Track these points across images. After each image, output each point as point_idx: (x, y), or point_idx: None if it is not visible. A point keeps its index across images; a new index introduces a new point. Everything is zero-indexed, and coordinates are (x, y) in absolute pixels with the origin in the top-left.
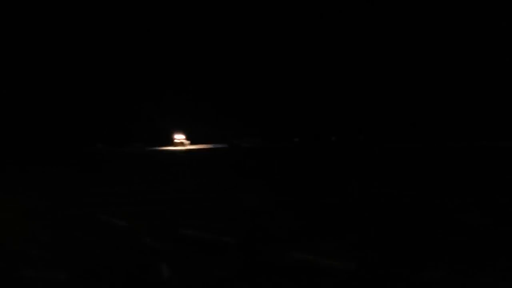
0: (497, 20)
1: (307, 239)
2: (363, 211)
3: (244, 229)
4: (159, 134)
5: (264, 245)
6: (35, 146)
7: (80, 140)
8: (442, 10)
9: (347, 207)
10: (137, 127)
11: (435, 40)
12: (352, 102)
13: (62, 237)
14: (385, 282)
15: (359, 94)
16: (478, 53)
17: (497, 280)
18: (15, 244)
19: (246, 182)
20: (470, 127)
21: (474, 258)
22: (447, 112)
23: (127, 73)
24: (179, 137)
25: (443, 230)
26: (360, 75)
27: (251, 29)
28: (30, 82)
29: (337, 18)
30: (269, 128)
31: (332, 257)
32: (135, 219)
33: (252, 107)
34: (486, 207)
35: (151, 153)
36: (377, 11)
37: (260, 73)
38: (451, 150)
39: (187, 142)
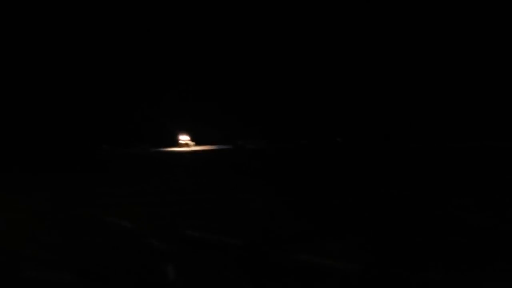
0: (497, 20)
1: (312, 240)
2: (366, 212)
3: (249, 231)
4: (164, 135)
5: (270, 246)
6: (41, 147)
7: (85, 141)
8: (443, 11)
9: (351, 208)
10: (142, 128)
11: (438, 42)
12: (358, 103)
13: (67, 238)
14: (390, 283)
15: (364, 95)
16: (479, 54)
17: (497, 280)
18: (21, 245)
19: (251, 184)
20: (471, 127)
21: (475, 258)
22: (448, 112)
23: (133, 74)
24: (184, 138)
25: (445, 230)
26: (365, 76)
27: (258, 31)
28: (36, 85)
29: (343, 21)
30: (274, 130)
31: (337, 259)
32: (140, 220)
33: (257, 109)
34: (487, 207)
35: (156, 154)
36: (381, 14)
37: (266, 75)
38: (451, 151)
39: (192, 143)
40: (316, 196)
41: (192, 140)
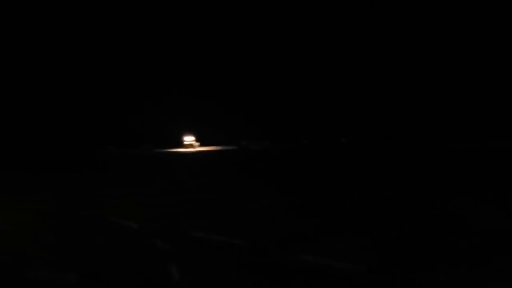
0: (497, 21)
1: (315, 241)
2: (368, 212)
3: (252, 231)
4: (168, 136)
5: (275, 247)
6: (46, 148)
7: (91, 142)
8: (443, 13)
9: (352, 209)
10: (146, 129)
11: (439, 44)
12: (362, 104)
13: (71, 239)
14: (391, 283)
15: (368, 96)
16: (479, 56)
17: (498, 280)
18: (25, 245)
19: (255, 184)
20: (471, 128)
21: (475, 258)
22: (448, 113)
23: (137, 76)
24: (188, 139)
25: (445, 230)
26: (368, 78)
27: (262, 33)
28: (42, 87)
29: (347, 24)
30: (278, 130)
31: (339, 259)
32: (144, 221)
33: (261, 110)
34: (487, 208)
35: (160, 155)
36: (384, 17)
37: (270, 76)
38: (452, 151)
39: (196, 144)
40: (319, 196)
41: (196, 140)
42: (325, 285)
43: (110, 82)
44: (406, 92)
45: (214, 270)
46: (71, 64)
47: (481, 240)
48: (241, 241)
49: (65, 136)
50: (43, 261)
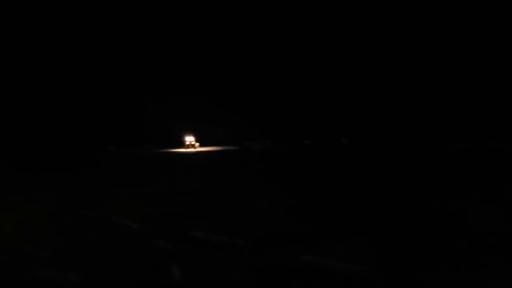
0: (497, 21)
1: (316, 241)
2: (369, 213)
3: (254, 231)
4: (170, 136)
5: (276, 247)
6: (48, 148)
7: (92, 142)
8: (443, 13)
9: (353, 209)
10: (148, 129)
11: (440, 45)
12: (362, 105)
13: (72, 238)
14: (392, 284)
15: (368, 97)
16: (479, 55)
17: (498, 280)
18: (27, 245)
19: (256, 184)
20: (471, 128)
21: (475, 258)
22: (449, 114)
23: (139, 76)
24: (189, 139)
25: (445, 230)
26: (369, 79)
27: (263, 34)
28: (43, 88)
29: (348, 25)
30: (280, 131)
31: (340, 259)
32: (146, 221)
33: (262, 110)
34: (487, 208)
35: (161, 155)
36: (384, 17)
37: (271, 77)
38: (452, 151)
39: (197, 144)
40: (320, 196)
41: (197, 141)
42: (325, 285)
43: (112, 82)
44: (407, 92)
45: (215, 270)
46: (72, 64)
47: (481, 240)
48: (242, 241)
49: (66, 136)
50: (43, 261)
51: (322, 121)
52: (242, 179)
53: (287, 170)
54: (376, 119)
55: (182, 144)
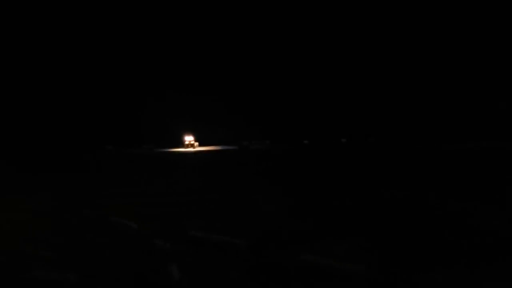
0: (497, 21)
1: (315, 241)
2: (370, 213)
3: (253, 231)
4: (169, 136)
5: (275, 247)
6: (46, 149)
7: (91, 142)
8: (443, 13)
9: (353, 209)
10: (147, 129)
11: (440, 46)
12: (361, 104)
13: (72, 238)
14: (392, 283)
15: (367, 97)
16: (479, 55)
17: (497, 280)
18: (27, 245)
19: (255, 184)
20: (471, 128)
21: (475, 258)
22: (449, 114)
23: (137, 76)
24: (188, 138)
25: (445, 230)
26: (368, 78)
27: (262, 34)
28: (43, 88)
29: (347, 24)
30: (279, 130)
31: (340, 259)
32: (146, 221)
33: (262, 110)
34: (487, 208)
35: (161, 155)
36: (384, 17)
37: (270, 76)
38: (452, 151)
39: (196, 143)
40: (319, 196)
41: (197, 140)
42: (325, 285)
43: (111, 81)
44: (406, 92)
45: (214, 269)
46: (71, 64)
47: (481, 240)
48: (242, 241)
49: (65, 136)
50: (43, 261)
51: (321, 121)
52: (242, 179)
53: (287, 170)
54: (376, 119)
55: (181, 144)
